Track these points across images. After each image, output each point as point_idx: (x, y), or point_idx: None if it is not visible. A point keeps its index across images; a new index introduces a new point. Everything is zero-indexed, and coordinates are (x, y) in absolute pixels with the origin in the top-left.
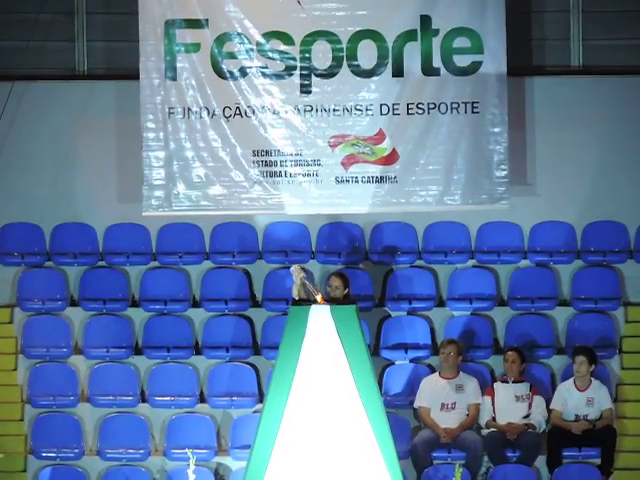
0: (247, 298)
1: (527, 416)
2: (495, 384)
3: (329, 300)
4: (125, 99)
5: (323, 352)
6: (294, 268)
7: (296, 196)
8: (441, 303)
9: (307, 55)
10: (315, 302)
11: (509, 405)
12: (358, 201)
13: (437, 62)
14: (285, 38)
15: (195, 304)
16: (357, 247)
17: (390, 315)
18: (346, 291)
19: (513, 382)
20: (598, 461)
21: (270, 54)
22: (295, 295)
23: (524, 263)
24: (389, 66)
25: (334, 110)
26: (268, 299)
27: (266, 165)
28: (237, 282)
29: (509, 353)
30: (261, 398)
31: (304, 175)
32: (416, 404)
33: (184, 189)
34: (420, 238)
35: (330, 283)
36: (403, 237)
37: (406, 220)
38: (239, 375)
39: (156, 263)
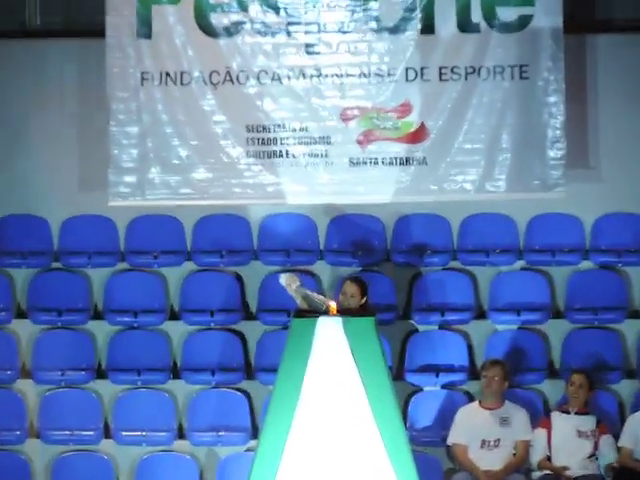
0: (238, 309)
1: (591, 456)
2: (552, 414)
3: (341, 311)
4: (88, 62)
5: (333, 376)
6: (284, 278)
7: (300, 182)
8: (481, 315)
9: (314, 6)
10: (325, 313)
11: (569, 442)
12: (378, 188)
13: (476, 16)
14: None
15: (173, 316)
16: (377, 245)
17: (417, 330)
18: (363, 300)
19: (576, 413)
20: None
21: (269, 5)
22: (299, 302)
23: (585, 265)
24: (417, 20)
25: (348, 75)
26: (264, 310)
27: (263, 143)
28: (226, 288)
29: (575, 375)
30: (255, 433)
31: (310, 156)
32: (450, 441)
33: (160, 173)
34: (455, 234)
35: (343, 290)
36: (434, 233)
37: (438, 211)
38: (228, 404)
39: (125, 265)
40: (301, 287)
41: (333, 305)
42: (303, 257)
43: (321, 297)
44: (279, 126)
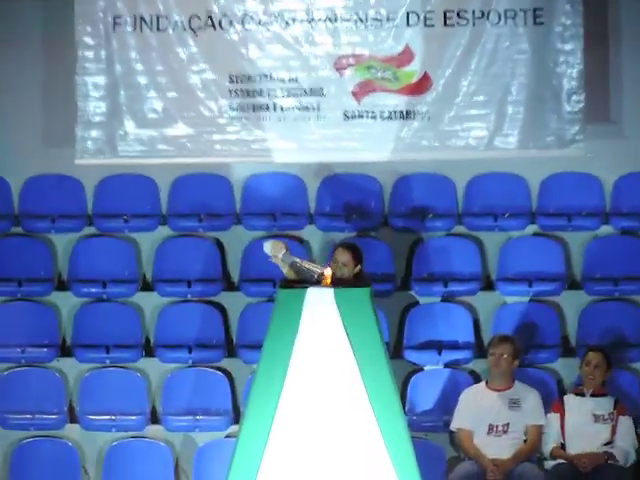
0: (218, 278)
1: (609, 443)
2: (565, 397)
3: (333, 281)
4: (54, 5)
5: (323, 353)
6: (269, 245)
7: (289, 138)
8: (489, 285)
9: None
10: (315, 283)
11: (584, 427)
12: (375, 145)
13: None
14: None
15: (146, 287)
16: (373, 208)
17: (418, 302)
18: (357, 269)
19: (591, 395)
20: None
21: None
22: (285, 272)
23: (605, 230)
24: None
25: (342, 20)
26: (247, 280)
27: (248, 95)
28: (205, 256)
29: (591, 354)
30: (237, 417)
31: (300, 109)
32: (453, 426)
33: (134, 128)
34: (461, 196)
35: (335, 258)
36: (437, 194)
37: (441, 171)
38: (206, 385)
39: (93, 229)
40: (288, 255)
41: (328, 273)
42: (291, 221)
43: (312, 265)
44: (266, 76)
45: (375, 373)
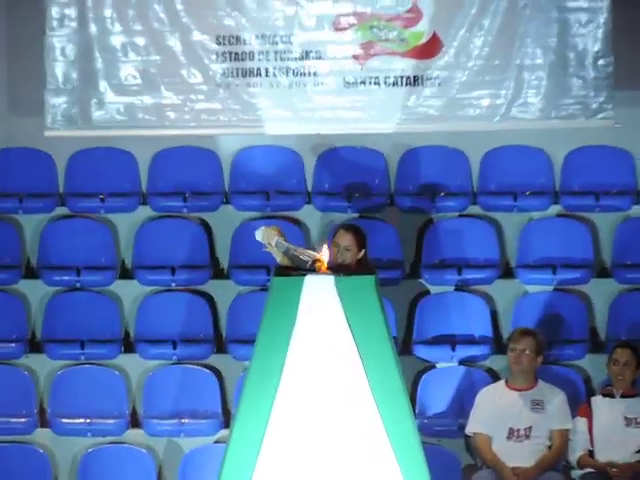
0: (206, 265)
1: None
2: (593, 399)
3: (334, 268)
4: None
5: (323, 349)
6: (261, 232)
7: (282, 106)
8: (508, 273)
9: None
10: (313, 270)
11: (615, 432)
12: (379, 114)
13: None
14: None
15: (125, 274)
16: (377, 186)
17: (429, 291)
18: (360, 254)
19: (622, 396)
20: None
21: None
22: (279, 260)
23: (637, 210)
24: None
25: None
26: (238, 266)
27: (236, 59)
28: (190, 240)
29: (619, 351)
30: (227, 421)
31: (295, 74)
32: (469, 430)
33: (110, 96)
34: (475, 172)
35: (336, 241)
36: (449, 170)
37: (454, 144)
38: (193, 385)
39: (64, 210)
40: (282, 242)
41: (324, 258)
42: (286, 201)
43: (310, 252)
44: (257, 37)
45: (381, 371)
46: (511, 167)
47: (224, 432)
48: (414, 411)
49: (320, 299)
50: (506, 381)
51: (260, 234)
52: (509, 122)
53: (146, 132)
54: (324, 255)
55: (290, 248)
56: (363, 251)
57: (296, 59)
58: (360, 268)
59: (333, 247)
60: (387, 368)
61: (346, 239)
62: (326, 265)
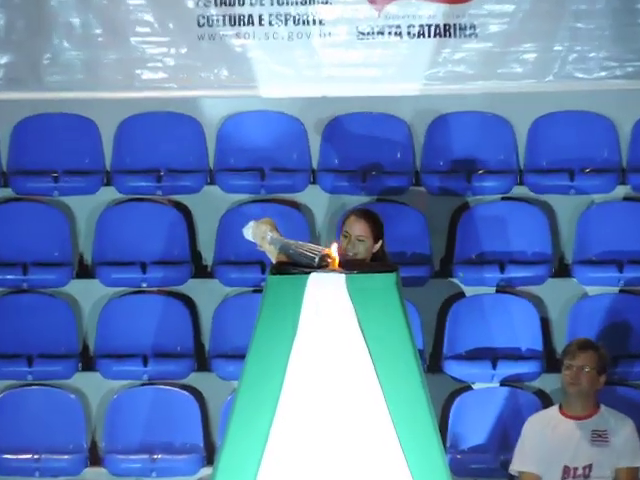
0: (185, 260)
1: None
2: None
3: (344, 264)
4: None
5: (332, 365)
6: (252, 228)
7: (280, 63)
8: (563, 270)
9: None
10: (319, 267)
11: None
12: (401, 73)
13: None
14: None
15: (84, 272)
16: (399, 162)
17: (463, 293)
18: (377, 246)
19: None
20: None
21: None
22: (273, 257)
23: None
24: None
25: None
26: (225, 262)
27: (223, 3)
28: (166, 229)
29: None
30: (210, 456)
31: (296, 23)
32: (514, 468)
33: (64, 50)
34: (522, 144)
35: (346, 231)
36: (488, 142)
37: (495, 109)
38: (168, 411)
39: (9, 192)
40: (276, 237)
41: (334, 253)
42: (285, 180)
43: (315, 247)
44: None
45: (403, 394)
46: (566, 138)
47: (206, 470)
48: (444, 444)
49: (328, 303)
50: (560, 406)
51: (250, 231)
52: (563, 82)
53: (110, 95)
54: (334, 249)
55: (290, 244)
56: (380, 243)
57: (298, 3)
58: (377, 264)
59: (342, 238)
60: (410, 390)
61: (359, 228)
62: (336, 259)
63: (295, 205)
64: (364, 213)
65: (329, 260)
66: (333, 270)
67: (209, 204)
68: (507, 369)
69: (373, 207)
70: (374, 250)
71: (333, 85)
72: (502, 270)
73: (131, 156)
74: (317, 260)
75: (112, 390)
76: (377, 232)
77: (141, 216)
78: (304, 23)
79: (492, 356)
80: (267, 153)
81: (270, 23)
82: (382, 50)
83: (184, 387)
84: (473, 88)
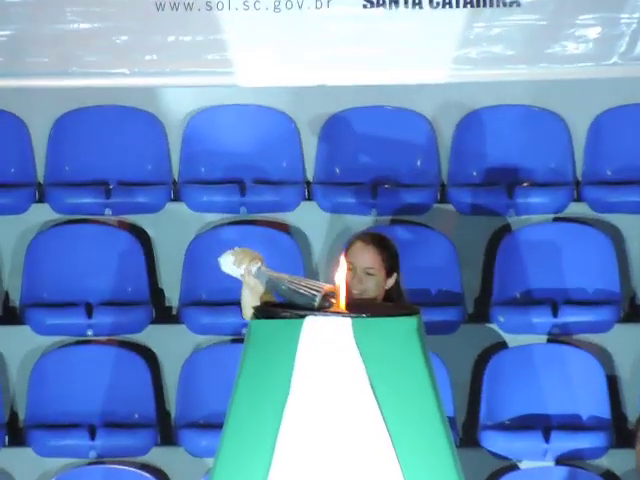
0: (143, 300)
1: None
2: None
3: (350, 305)
4: None
5: (336, 436)
6: (230, 256)
7: (265, 41)
8: (635, 313)
9: None
10: (321, 308)
11: None
12: (423, 54)
13: None
14: None
15: (10, 316)
16: (420, 171)
17: (505, 343)
18: (391, 281)
19: None
20: None
21: None
22: (257, 296)
23: None
24: None
25: None
26: (195, 303)
27: None
28: (118, 259)
29: None
30: None
31: None
32: None
33: None
34: (579, 148)
35: (351, 262)
36: (536, 145)
37: (543, 102)
38: None
39: None
40: (267, 270)
41: (340, 291)
42: (271, 195)
43: (314, 283)
44: None
45: (428, 471)
46: (638, 140)
47: None
48: None
49: (329, 355)
50: None
51: (229, 260)
52: (633, 66)
53: (42, 83)
54: (341, 282)
55: (282, 278)
56: (394, 277)
57: None
58: (392, 305)
59: (348, 270)
60: (438, 472)
61: (367, 258)
62: (344, 302)
63: (285, 228)
64: (373, 239)
65: (333, 300)
66: (336, 312)
67: (173, 227)
68: (564, 442)
69: (386, 231)
70: (387, 287)
71: (333, 70)
72: (555, 313)
73: (70, 164)
74: (318, 299)
75: (49, 472)
76: (390, 263)
77: (84, 242)
78: None
79: (544, 426)
80: (248, 160)
81: None
82: (397, 24)
83: (143, 466)
84: (515, 74)
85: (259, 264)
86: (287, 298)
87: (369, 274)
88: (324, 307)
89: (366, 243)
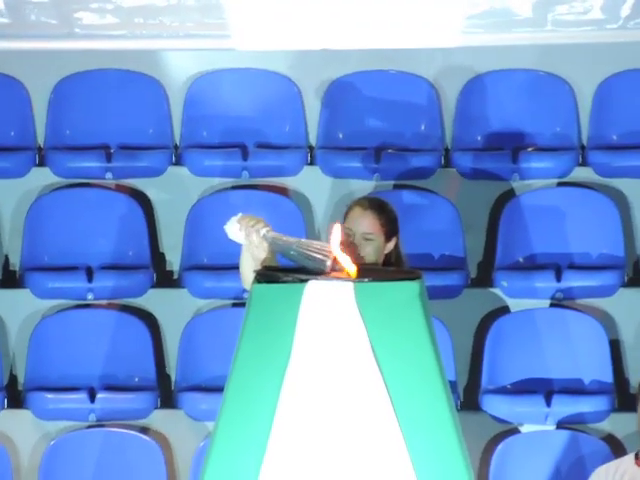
0: (144, 264)
1: None
2: None
3: (359, 270)
4: None
5: (337, 400)
6: (235, 222)
7: (269, 6)
8: (638, 277)
9: None
10: (321, 272)
11: None
12: (426, 18)
13: None
14: None
15: (10, 280)
16: (423, 135)
17: (508, 308)
18: (390, 245)
19: None
20: None
21: None
22: (257, 260)
23: None
24: None
25: None
26: (196, 267)
27: None
28: (118, 224)
29: None
30: None
31: None
32: None
33: None
34: (585, 112)
35: (350, 227)
36: (541, 110)
37: (549, 67)
38: (122, 461)
39: None
40: (274, 234)
41: (343, 257)
42: (274, 160)
43: (323, 247)
44: None
45: (429, 440)
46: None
47: None
48: None
49: (331, 320)
50: (636, 456)
51: (234, 227)
52: (639, 30)
53: (42, 45)
54: (341, 253)
55: (290, 242)
56: (394, 241)
57: None
58: (395, 270)
59: (346, 235)
60: (439, 435)
61: (366, 223)
62: (349, 268)
63: (287, 193)
64: (371, 203)
65: (337, 263)
66: (338, 277)
67: (175, 191)
68: (566, 407)
69: (389, 195)
70: (386, 251)
71: (336, 34)
72: (559, 278)
73: (71, 128)
74: (329, 263)
75: (48, 435)
76: (389, 227)
77: (85, 207)
78: None
79: (546, 390)
80: (250, 124)
81: None
82: None
83: (143, 430)
84: (520, 38)
85: (266, 228)
86: (297, 262)
87: (368, 239)
88: (334, 270)
89: (364, 208)
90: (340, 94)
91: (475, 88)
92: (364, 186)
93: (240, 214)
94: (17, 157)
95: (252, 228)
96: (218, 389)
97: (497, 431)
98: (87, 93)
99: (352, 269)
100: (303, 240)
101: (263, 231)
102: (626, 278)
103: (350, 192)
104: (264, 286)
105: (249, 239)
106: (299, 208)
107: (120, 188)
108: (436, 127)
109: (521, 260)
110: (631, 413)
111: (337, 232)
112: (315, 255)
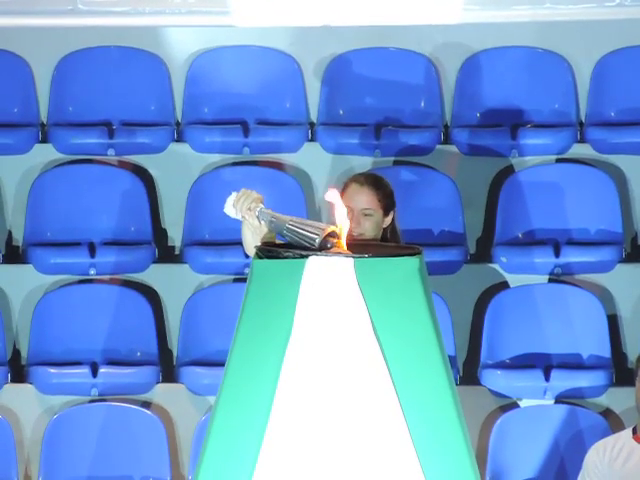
0: (146, 240)
1: None
2: None
3: (351, 246)
4: None
5: (337, 374)
6: (232, 200)
7: None
8: (637, 254)
9: None
10: (322, 248)
11: None
12: None
13: None
14: None
15: (13, 255)
16: (423, 112)
17: (507, 283)
18: (387, 220)
19: None
20: None
21: None
22: (256, 234)
23: None
24: None
25: None
26: (197, 242)
27: None
28: (121, 200)
29: None
30: None
31: None
32: None
33: None
34: (584, 89)
35: (349, 203)
36: (539, 87)
37: (548, 44)
38: (124, 436)
39: None
40: (268, 211)
41: (342, 230)
42: (274, 136)
43: (316, 224)
44: None
45: (428, 413)
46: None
47: None
48: (483, 478)
49: (331, 295)
50: (634, 430)
51: (232, 203)
52: (638, 7)
53: (45, 22)
54: (344, 224)
55: (284, 220)
56: (391, 216)
57: None
58: (394, 246)
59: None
60: (438, 409)
61: (364, 199)
62: (341, 241)
63: (288, 169)
64: (367, 179)
65: (334, 241)
66: (338, 253)
67: (176, 167)
68: (564, 381)
69: (389, 172)
70: (384, 225)
71: (337, 11)
72: (557, 253)
73: (74, 104)
74: (318, 240)
75: (51, 409)
76: (386, 202)
77: (87, 183)
78: None
79: (544, 364)
80: (251, 101)
81: None
82: None
83: (145, 404)
84: (519, 15)
85: (260, 206)
86: (289, 239)
87: (367, 215)
88: (326, 247)
89: (361, 184)
90: (340, 71)
91: (474, 65)
92: (364, 162)
93: (234, 193)
94: (20, 133)
95: (248, 210)
96: (219, 364)
97: (496, 406)
98: (89, 70)
99: (345, 225)
100: (296, 218)
101: (257, 210)
102: (624, 254)
103: (350, 168)
104: (265, 262)
105: (245, 220)
106: (300, 184)
107: (122, 164)
108: (435, 104)
109: (520, 236)
110: (629, 388)
111: (340, 204)
112: (305, 232)
